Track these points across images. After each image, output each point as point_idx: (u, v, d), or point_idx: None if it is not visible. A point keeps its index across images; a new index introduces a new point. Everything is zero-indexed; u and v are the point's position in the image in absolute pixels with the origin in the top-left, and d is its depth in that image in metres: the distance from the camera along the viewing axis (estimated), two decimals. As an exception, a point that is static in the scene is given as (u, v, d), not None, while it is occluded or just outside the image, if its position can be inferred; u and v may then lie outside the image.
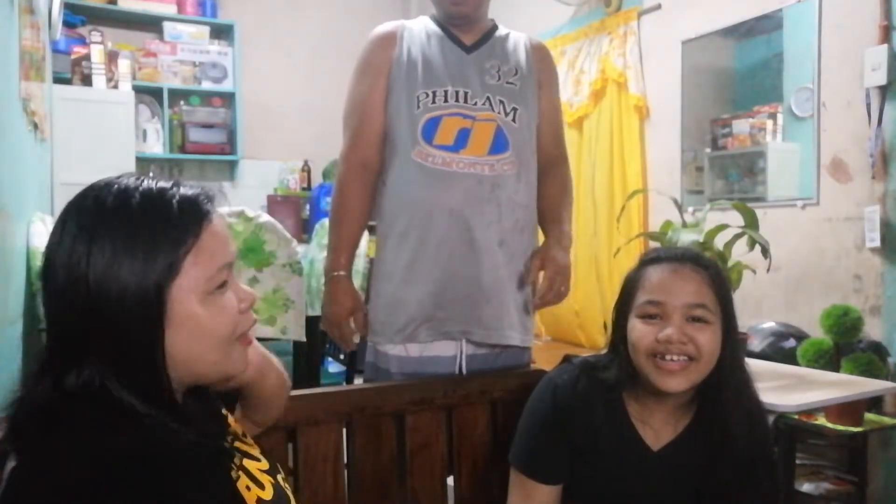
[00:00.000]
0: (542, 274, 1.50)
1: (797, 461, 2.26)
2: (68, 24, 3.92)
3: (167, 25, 4.41)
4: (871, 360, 2.15)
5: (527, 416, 1.23)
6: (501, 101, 1.49)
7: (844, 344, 2.21)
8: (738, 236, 1.69)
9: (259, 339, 1.25)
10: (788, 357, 2.30)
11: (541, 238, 1.61)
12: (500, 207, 1.47)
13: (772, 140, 2.86)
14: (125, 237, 0.66)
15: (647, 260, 1.18)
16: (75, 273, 0.65)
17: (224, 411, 0.85)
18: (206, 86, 4.51)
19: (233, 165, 4.69)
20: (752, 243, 1.68)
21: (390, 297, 1.47)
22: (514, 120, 1.50)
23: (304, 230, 4.54)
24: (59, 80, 3.83)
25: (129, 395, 0.65)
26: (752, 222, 1.70)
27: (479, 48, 1.54)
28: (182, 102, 4.47)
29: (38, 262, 1.89)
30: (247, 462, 0.78)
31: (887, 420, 2.20)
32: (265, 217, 2.18)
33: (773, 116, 2.86)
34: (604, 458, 1.16)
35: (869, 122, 2.39)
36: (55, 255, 0.67)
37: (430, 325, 1.45)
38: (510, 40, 1.58)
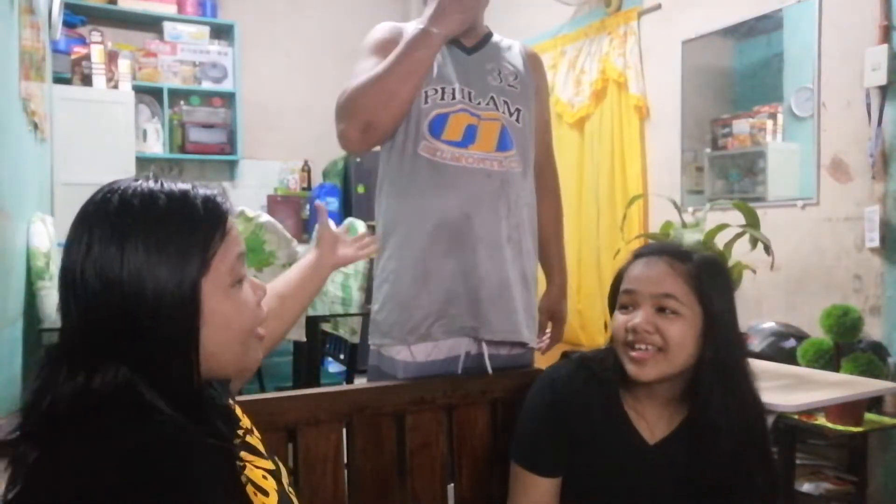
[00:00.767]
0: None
1: (797, 461, 2.26)
2: (68, 24, 3.92)
3: (167, 25, 4.41)
4: (871, 360, 2.15)
5: (525, 411, 1.25)
6: (505, 102, 1.49)
7: (844, 344, 2.21)
8: (738, 236, 1.69)
9: (259, 339, 1.25)
10: (788, 357, 2.30)
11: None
12: (508, 204, 1.46)
13: (772, 140, 2.87)
14: (157, 238, 0.67)
15: (634, 255, 1.21)
16: (108, 276, 0.66)
17: (232, 402, 0.85)
18: (206, 86, 4.51)
19: (233, 165, 4.70)
20: (753, 242, 1.68)
21: (402, 296, 1.43)
22: (517, 120, 1.50)
23: (304, 230, 4.55)
24: (59, 80, 3.83)
25: (157, 395, 0.66)
26: (753, 221, 1.70)
27: (479, 51, 1.53)
28: (182, 102, 4.48)
29: (38, 262, 1.89)
30: (251, 469, 0.77)
31: (887, 420, 2.20)
32: (265, 217, 2.18)
33: (773, 116, 2.86)
34: (601, 452, 1.17)
35: (869, 122, 2.39)
36: (84, 259, 0.67)
37: (444, 323, 1.43)
38: (505, 46, 1.59)
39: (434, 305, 1.42)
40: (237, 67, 4.57)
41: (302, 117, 4.80)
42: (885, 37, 2.35)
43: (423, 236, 1.43)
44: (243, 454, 0.79)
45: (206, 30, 4.53)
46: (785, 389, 1.54)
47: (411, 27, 1.52)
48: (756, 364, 1.82)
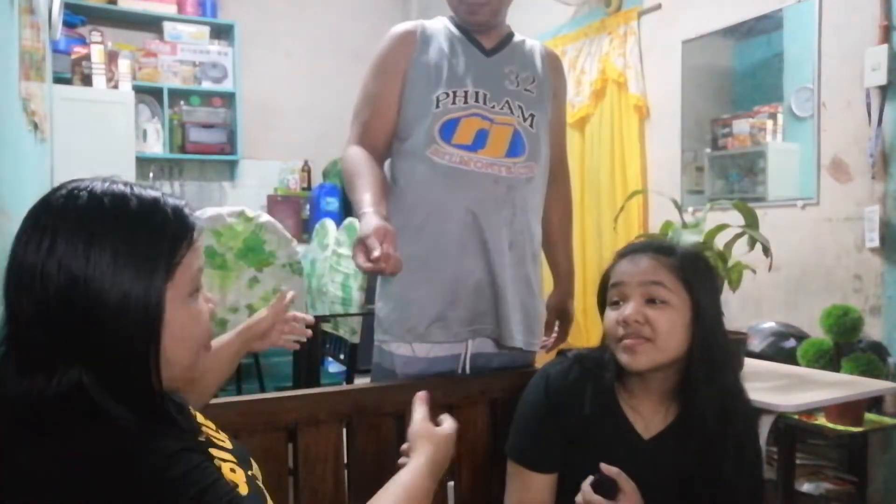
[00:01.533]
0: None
1: (797, 461, 2.26)
2: (68, 24, 3.92)
3: (167, 25, 4.41)
4: (871, 360, 2.15)
5: (521, 407, 1.26)
6: (520, 107, 1.50)
7: (844, 344, 2.21)
8: (738, 236, 1.69)
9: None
10: (788, 357, 2.30)
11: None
12: (513, 209, 1.47)
13: (772, 140, 2.86)
14: (126, 241, 0.67)
15: (618, 254, 1.23)
16: (74, 275, 0.65)
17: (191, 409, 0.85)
18: (206, 86, 4.51)
19: (233, 165, 4.70)
20: (752, 243, 1.68)
21: (401, 296, 1.45)
22: (531, 125, 1.51)
23: (304, 230, 4.55)
24: (59, 80, 3.83)
25: (111, 399, 0.65)
26: (752, 222, 1.70)
27: (499, 53, 1.54)
28: (182, 102, 4.48)
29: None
30: (219, 462, 0.77)
31: (887, 420, 2.20)
32: (265, 217, 2.18)
33: (773, 116, 2.86)
34: (596, 447, 1.18)
35: (869, 122, 2.39)
36: (46, 256, 0.65)
37: (442, 325, 1.43)
38: (527, 47, 1.59)
39: (433, 307, 1.43)
40: (237, 67, 4.57)
41: (302, 117, 4.80)
42: (885, 37, 2.35)
43: (426, 237, 1.43)
44: (210, 450, 0.78)
45: (206, 30, 4.53)
46: (785, 389, 1.53)
47: (435, 25, 1.53)
48: (756, 364, 1.83)
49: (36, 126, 2.30)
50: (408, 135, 1.47)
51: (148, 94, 4.36)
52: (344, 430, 1.28)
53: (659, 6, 3.29)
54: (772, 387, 1.55)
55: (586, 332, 3.58)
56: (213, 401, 1.14)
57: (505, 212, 1.46)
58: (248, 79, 4.67)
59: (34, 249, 0.65)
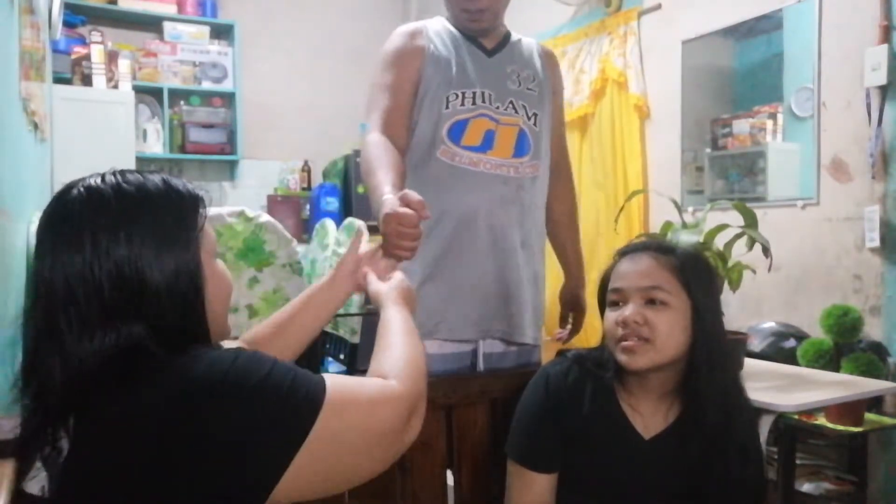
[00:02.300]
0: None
1: (797, 461, 2.26)
2: (68, 24, 3.92)
3: (167, 25, 4.41)
4: (871, 360, 2.15)
5: (521, 407, 1.26)
6: (524, 106, 1.51)
7: (844, 344, 2.21)
8: (738, 236, 1.69)
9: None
10: (788, 357, 2.30)
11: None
12: (522, 209, 1.49)
13: (772, 140, 2.86)
14: (157, 222, 0.74)
15: (618, 254, 1.24)
16: (120, 265, 0.71)
17: None
18: (206, 86, 4.51)
19: (233, 165, 4.69)
20: (750, 244, 1.68)
21: None
22: (535, 124, 1.53)
23: (304, 230, 4.54)
24: (59, 80, 3.83)
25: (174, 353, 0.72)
26: (752, 222, 1.70)
27: (500, 53, 1.55)
28: (182, 102, 4.48)
29: (38, 262, 1.89)
30: None
31: (887, 420, 2.20)
32: (265, 217, 2.18)
33: (773, 116, 2.86)
34: (596, 447, 1.18)
35: (869, 122, 2.39)
36: (92, 255, 0.71)
37: (452, 324, 1.44)
38: (524, 46, 1.61)
39: (443, 307, 1.44)
40: (237, 67, 4.57)
41: (302, 117, 4.80)
42: (885, 37, 2.35)
43: (437, 239, 1.44)
44: None
45: (206, 30, 4.53)
46: (785, 389, 1.53)
47: (435, 26, 1.53)
48: (756, 364, 1.83)
49: (36, 126, 2.30)
50: (417, 133, 1.48)
51: (148, 94, 4.35)
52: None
53: (659, 6, 3.29)
54: (772, 387, 1.55)
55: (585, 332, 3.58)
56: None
57: (515, 212, 1.47)
58: (248, 79, 4.66)
59: (76, 251, 0.71)
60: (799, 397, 1.45)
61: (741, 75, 3.12)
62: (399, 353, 0.83)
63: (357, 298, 2.44)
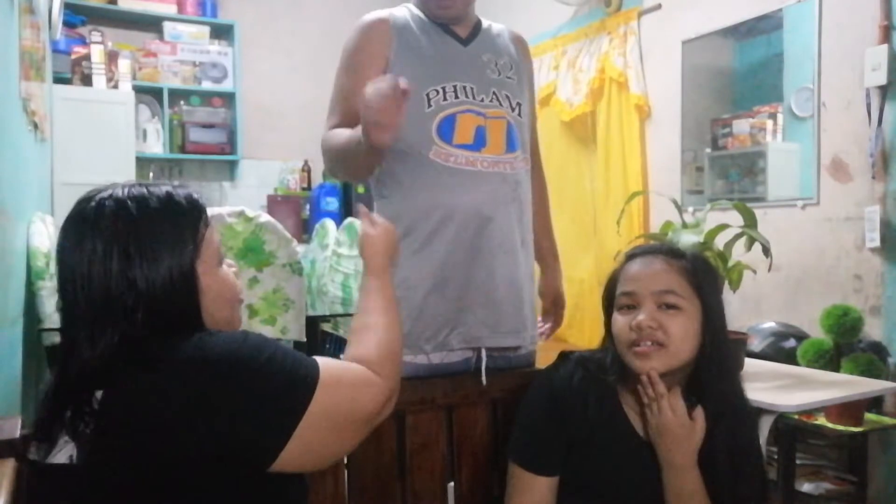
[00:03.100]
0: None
1: (797, 461, 2.26)
2: (68, 24, 3.92)
3: (167, 25, 4.41)
4: (871, 360, 2.15)
5: (523, 410, 1.26)
6: (507, 96, 1.45)
7: (844, 344, 2.21)
8: (738, 236, 1.69)
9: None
10: (788, 357, 2.30)
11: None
12: (520, 206, 1.44)
13: (772, 140, 2.87)
14: (155, 234, 0.81)
15: (627, 256, 1.23)
16: (118, 270, 0.79)
17: None
18: (206, 86, 4.51)
19: (233, 165, 4.70)
20: (749, 244, 1.68)
21: (417, 306, 1.39)
22: (519, 114, 1.47)
23: (304, 230, 4.54)
24: (59, 80, 3.83)
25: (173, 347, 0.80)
26: (751, 222, 1.70)
27: (474, 41, 1.48)
28: (182, 102, 4.48)
29: (38, 261, 1.89)
30: None
31: (887, 420, 2.20)
32: (265, 217, 2.18)
33: (773, 116, 2.86)
34: (599, 449, 1.18)
35: (869, 122, 2.39)
36: (91, 260, 0.79)
37: (461, 332, 1.40)
38: (496, 33, 1.54)
39: (451, 314, 1.39)
40: (237, 67, 4.57)
41: (302, 117, 4.80)
42: (885, 37, 2.35)
43: (440, 244, 1.39)
44: None
45: (206, 30, 4.53)
46: (785, 389, 1.54)
47: (404, 14, 1.47)
48: (756, 364, 1.83)
49: (36, 126, 2.30)
50: (399, 134, 1.36)
51: (148, 94, 4.35)
52: (344, 431, 1.28)
53: (659, 6, 3.29)
54: (772, 387, 1.55)
55: (582, 332, 3.58)
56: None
57: (514, 210, 1.43)
58: (248, 79, 4.66)
59: (80, 255, 0.80)
60: (799, 397, 1.45)
61: (741, 75, 3.12)
62: (381, 340, 0.92)
63: (357, 298, 2.43)
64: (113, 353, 0.78)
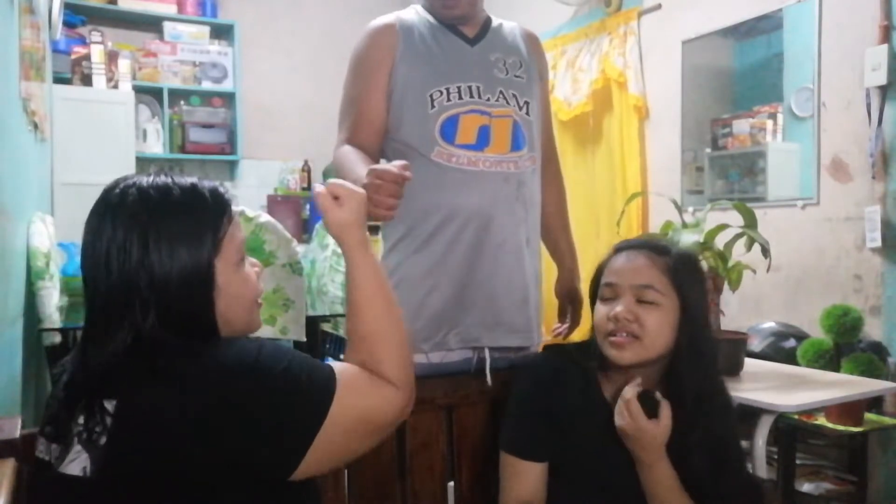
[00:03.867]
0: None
1: (797, 461, 2.26)
2: (68, 24, 3.92)
3: (167, 25, 4.41)
4: (871, 360, 2.15)
5: (510, 401, 1.29)
6: (514, 95, 1.45)
7: (844, 344, 2.21)
8: (738, 236, 1.69)
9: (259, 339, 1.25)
10: (788, 357, 2.30)
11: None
12: (525, 206, 1.44)
13: (772, 140, 2.87)
14: (175, 226, 0.79)
15: (615, 249, 1.26)
16: (135, 260, 0.77)
17: None
18: (206, 86, 4.51)
19: (233, 165, 4.70)
20: (749, 244, 1.68)
21: (416, 305, 1.39)
22: (527, 113, 1.46)
23: (304, 230, 4.54)
24: (59, 80, 3.83)
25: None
26: (751, 222, 1.70)
27: (482, 41, 1.48)
28: (182, 102, 4.47)
29: (38, 261, 1.89)
30: None
31: (887, 420, 2.20)
32: (265, 217, 2.18)
33: (773, 116, 2.86)
34: (582, 438, 1.21)
35: (869, 122, 2.39)
36: (110, 247, 0.78)
37: (460, 332, 1.40)
38: (507, 31, 1.54)
39: (450, 314, 1.39)
40: (237, 67, 4.57)
41: (302, 117, 4.80)
42: (885, 37, 2.35)
43: (440, 244, 1.39)
44: None
45: (206, 30, 4.52)
46: (785, 389, 1.54)
47: (412, 17, 1.48)
48: (756, 364, 1.83)
49: (36, 126, 2.30)
50: (404, 136, 1.42)
51: (148, 94, 4.35)
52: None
53: (659, 6, 3.29)
54: (772, 387, 1.55)
55: (587, 330, 3.58)
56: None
57: (518, 209, 1.42)
58: (248, 79, 4.66)
59: (101, 242, 0.78)
60: (799, 397, 1.45)
61: (741, 75, 3.12)
62: (389, 343, 0.89)
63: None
64: (127, 353, 0.76)
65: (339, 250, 2.62)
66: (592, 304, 1.26)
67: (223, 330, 0.83)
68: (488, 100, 1.42)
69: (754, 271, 1.67)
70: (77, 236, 0.86)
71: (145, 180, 0.81)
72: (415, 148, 1.40)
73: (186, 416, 0.73)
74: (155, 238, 0.78)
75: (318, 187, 0.91)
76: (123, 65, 4.08)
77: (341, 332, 2.75)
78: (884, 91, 2.36)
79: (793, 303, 2.67)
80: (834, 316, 2.19)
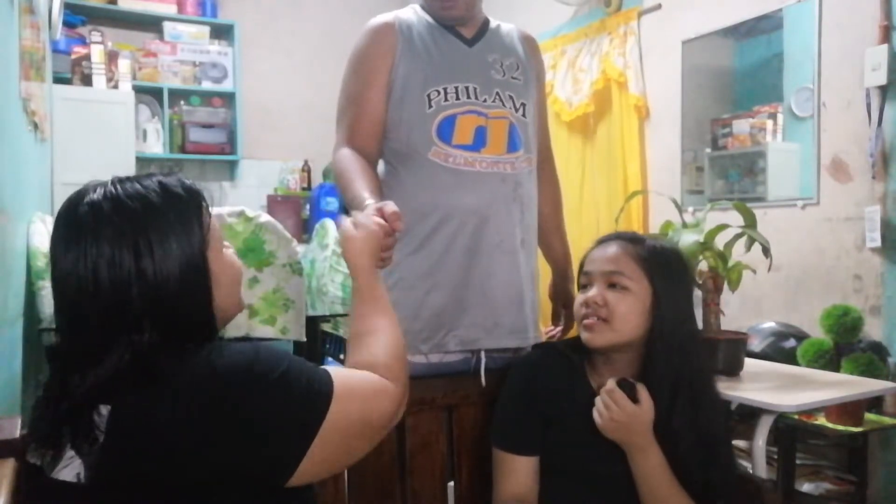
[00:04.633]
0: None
1: (797, 461, 2.26)
2: (68, 24, 3.92)
3: (167, 25, 4.41)
4: (871, 360, 2.15)
5: (501, 397, 1.32)
6: (511, 97, 1.45)
7: (844, 344, 2.21)
8: (738, 236, 1.69)
9: (259, 339, 1.25)
10: (788, 357, 2.30)
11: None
12: (521, 206, 1.44)
13: (772, 140, 2.86)
14: (161, 228, 0.79)
15: (595, 243, 1.31)
16: (126, 272, 0.76)
17: None
18: (206, 86, 4.51)
19: (233, 165, 4.69)
20: (749, 244, 1.68)
21: (414, 307, 1.39)
22: (523, 115, 1.47)
23: (304, 230, 4.55)
24: (59, 80, 3.83)
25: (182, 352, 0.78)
26: (751, 222, 1.70)
27: (479, 42, 1.48)
28: (182, 102, 4.47)
29: (38, 261, 1.89)
30: None
31: (887, 420, 2.20)
32: (265, 217, 2.17)
33: (773, 116, 2.86)
34: (571, 428, 1.23)
35: (869, 122, 2.39)
36: (97, 264, 0.76)
37: (458, 334, 1.40)
38: (504, 32, 1.54)
39: (448, 315, 1.39)
40: (237, 67, 4.57)
41: (302, 117, 4.80)
42: (885, 37, 2.35)
43: (438, 244, 1.39)
44: None
45: (206, 30, 4.52)
46: (785, 389, 1.53)
47: (410, 17, 1.48)
48: (756, 364, 1.82)
49: (36, 126, 2.30)
50: (401, 136, 1.42)
51: (148, 94, 4.35)
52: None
53: (659, 6, 3.29)
54: (772, 387, 1.55)
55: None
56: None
57: (514, 210, 1.43)
58: (248, 79, 4.66)
59: (83, 262, 0.76)
60: (799, 397, 1.45)
61: (741, 75, 3.12)
62: (385, 343, 0.91)
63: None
64: (122, 367, 0.75)
65: (340, 250, 2.62)
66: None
67: (218, 319, 0.84)
68: (485, 101, 1.43)
69: (754, 271, 1.67)
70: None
71: (112, 190, 0.79)
72: (412, 147, 1.41)
73: (181, 422, 0.72)
74: (146, 245, 0.77)
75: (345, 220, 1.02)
76: (123, 65, 4.08)
77: (341, 332, 2.75)
78: (884, 91, 2.36)
79: (793, 303, 2.67)
80: (834, 316, 2.19)
